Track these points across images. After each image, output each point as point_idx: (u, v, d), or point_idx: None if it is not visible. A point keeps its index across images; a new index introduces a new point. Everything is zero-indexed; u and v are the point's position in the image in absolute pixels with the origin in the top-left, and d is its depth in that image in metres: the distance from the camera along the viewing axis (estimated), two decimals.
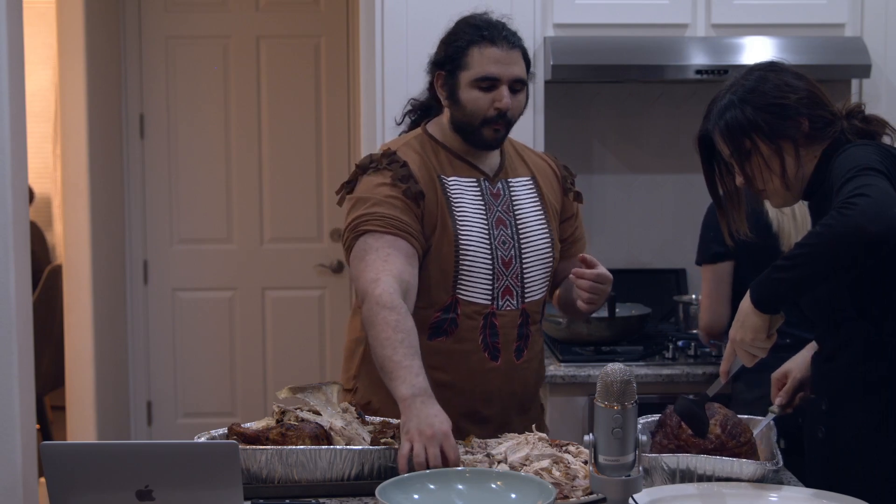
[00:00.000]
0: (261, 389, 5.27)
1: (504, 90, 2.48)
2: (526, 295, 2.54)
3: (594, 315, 3.60)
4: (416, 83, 3.64)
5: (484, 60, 2.47)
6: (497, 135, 2.50)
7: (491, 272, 2.48)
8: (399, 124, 2.70)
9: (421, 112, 2.67)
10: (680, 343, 3.61)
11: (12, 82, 3.30)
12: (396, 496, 1.89)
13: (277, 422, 2.18)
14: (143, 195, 5.18)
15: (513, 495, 1.94)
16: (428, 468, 2.04)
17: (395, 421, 2.28)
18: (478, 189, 2.52)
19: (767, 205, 2.44)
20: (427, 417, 2.11)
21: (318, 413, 2.21)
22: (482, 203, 2.51)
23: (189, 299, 5.24)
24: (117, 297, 5.11)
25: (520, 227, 2.54)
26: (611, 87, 4.05)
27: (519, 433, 2.32)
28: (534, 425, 2.36)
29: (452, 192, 2.49)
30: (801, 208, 3.16)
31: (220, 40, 5.19)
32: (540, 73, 3.67)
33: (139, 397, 5.24)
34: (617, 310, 3.56)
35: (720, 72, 3.58)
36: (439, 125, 2.58)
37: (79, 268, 4.80)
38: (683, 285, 4.06)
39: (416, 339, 2.27)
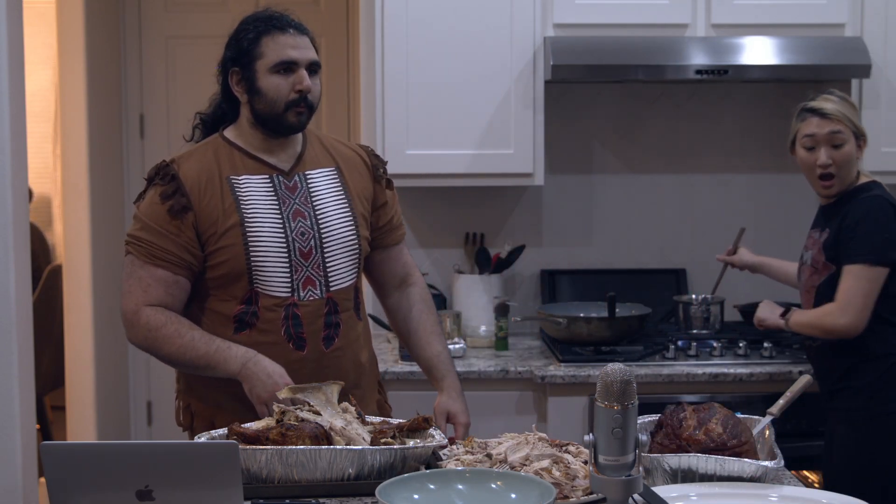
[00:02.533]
0: None
1: (303, 73, 2.53)
2: (331, 284, 2.55)
3: (594, 315, 3.63)
4: (416, 82, 3.66)
5: (278, 46, 2.53)
6: (300, 118, 2.54)
7: (288, 265, 2.51)
8: (189, 140, 2.71)
9: (211, 124, 2.68)
10: (680, 343, 3.61)
11: (12, 82, 3.30)
12: (396, 496, 1.89)
13: (277, 422, 2.18)
14: None
15: (513, 495, 1.94)
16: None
17: (394, 421, 2.28)
18: (270, 185, 2.54)
19: None
20: (267, 378, 2.39)
21: (318, 413, 2.21)
22: (275, 198, 2.53)
23: None
24: (117, 297, 5.09)
25: (319, 217, 2.56)
26: (611, 87, 4.05)
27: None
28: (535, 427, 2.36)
29: (241, 190, 2.52)
30: None
31: (220, 40, 5.12)
32: (540, 73, 3.67)
33: (139, 397, 5.23)
34: (617, 310, 3.56)
35: (720, 72, 3.58)
36: (237, 127, 2.61)
37: (79, 268, 4.79)
38: (683, 285, 4.05)
39: (202, 330, 2.48)
